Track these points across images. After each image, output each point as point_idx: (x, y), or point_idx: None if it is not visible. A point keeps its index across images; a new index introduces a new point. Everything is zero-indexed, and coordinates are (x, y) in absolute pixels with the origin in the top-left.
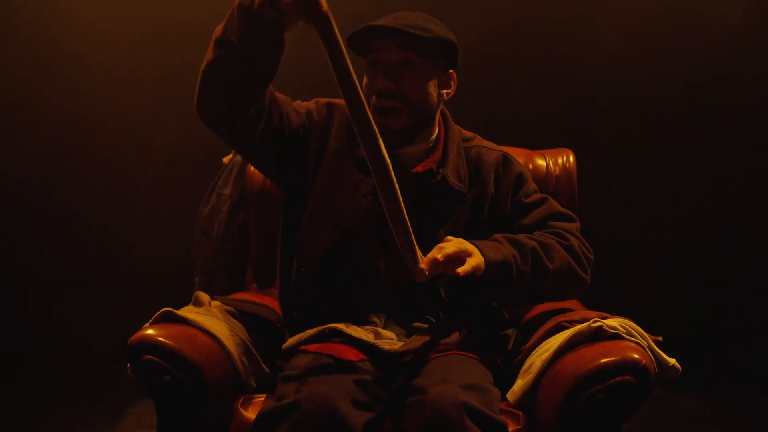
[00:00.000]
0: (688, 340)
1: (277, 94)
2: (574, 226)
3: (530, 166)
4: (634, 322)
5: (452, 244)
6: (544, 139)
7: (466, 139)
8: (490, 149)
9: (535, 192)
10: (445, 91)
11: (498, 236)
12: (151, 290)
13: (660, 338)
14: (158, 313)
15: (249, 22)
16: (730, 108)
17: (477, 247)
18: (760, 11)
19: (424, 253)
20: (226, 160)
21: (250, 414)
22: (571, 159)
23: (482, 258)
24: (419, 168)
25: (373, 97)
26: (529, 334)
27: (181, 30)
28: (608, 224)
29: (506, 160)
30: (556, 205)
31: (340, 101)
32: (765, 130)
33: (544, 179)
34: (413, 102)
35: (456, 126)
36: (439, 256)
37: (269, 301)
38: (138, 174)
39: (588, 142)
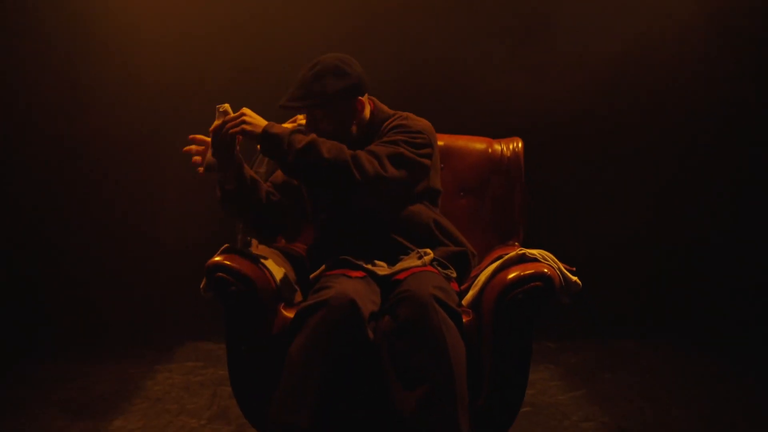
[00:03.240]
0: (629, 290)
1: (266, 184)
2: (386, 149)
3: (489, 150)
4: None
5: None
6: (503, 129)
7: (389, 116)
8: (391, 116)
9: (398, 131)
10: (359, 111)
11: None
12: (178, 270)
13: (573, 268)
14: (222, 248)
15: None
16: (650, 105)
17: (269, 123)
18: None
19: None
20: (259, 146)
21: (289, 313)
22: (520, 145)
23: (263, 124)
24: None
25: None
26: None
27: (202, 40)
28: (548, 193)
29: (402, 117)
30: (392, 139)
31: None
32: (685, 119)
33: (498, 159)
34: (329, 134)
35: (388, 110)
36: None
37: (296, 248)
38: (163, 172)
39: (535, 132)
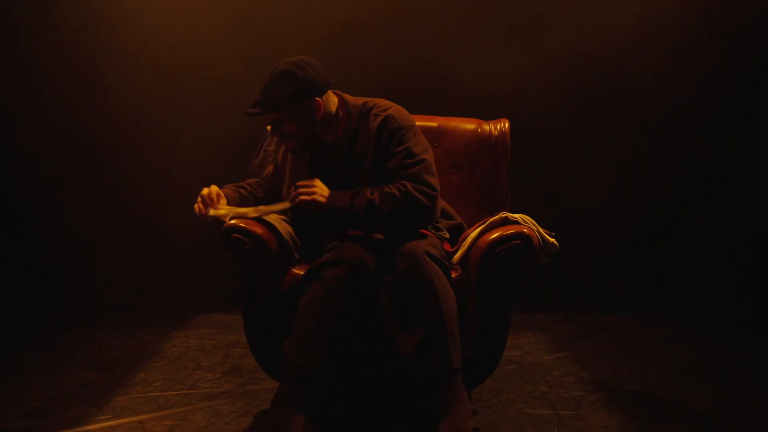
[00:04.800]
0: (613, 268)
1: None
2: (418, 168)
3: (479, 130)
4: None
5: (312, 186)
6: (494, 111)
7: (367, 109)
8: (378, 114)
9: (405, 144)
10: (317, 110)
11: (358, 189)
12: (188, 253)
13: (553, 233)
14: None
15: None
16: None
17: (330, 192)
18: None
19: None
20: (269, 127)
21: (299, 271)
22: (506, 125)
23: (323, 199)
24: (331, 140)
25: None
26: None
27: (206, 36)
28: (531, 168)
29: (387, 120)
30: (411, 153)
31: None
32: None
33: (487, 138)
34: (292, 135)
35: (356, 101)
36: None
37: None
38: (173, 161)
39: (522, 113)
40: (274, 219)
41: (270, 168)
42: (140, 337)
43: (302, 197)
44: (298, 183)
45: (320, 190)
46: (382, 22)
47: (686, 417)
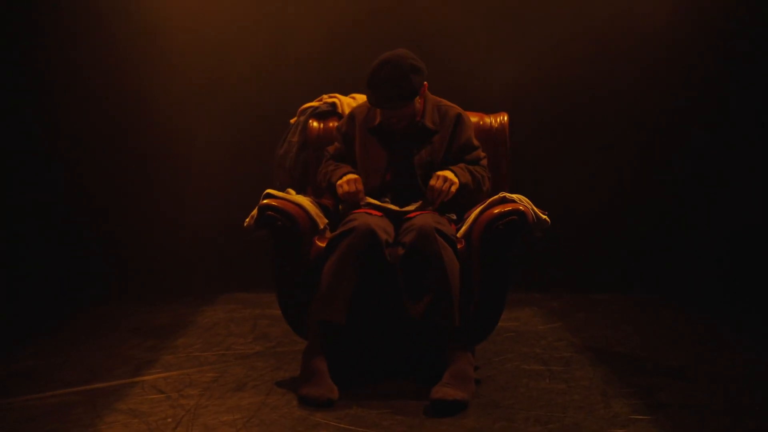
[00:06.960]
0: (606, 251)
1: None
2: (485, 165)
3: (481, 122)
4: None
5: (440, 179)
6: (494, 105)
7: (438, 102)
8: (451, 107)
9: (478, 146)
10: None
11: (462, 165)
12: (213, 241)
13: (546, 212)
14: (264, 192)
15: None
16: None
17: (454, 173)
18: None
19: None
20: (292, 121)
21: (322, 243)
22: (506, 118)
23: (457, 181)
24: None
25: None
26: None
27: (220, 46)
28: (528, 157)
29: (463, 117)
30: (478, 151)
31: (354, 111)
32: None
33: (488, 130)
34: (408, 115)
35: (431, 95)
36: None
37: (322, 201)
38: (194, 160)
39: (520, 107)
40: (303, 199)
41: (336, 145)
42: (172, 311)
43: (445, 196)
44: (435, 187)
45: (448, 175)
46: (387, 20)
47: (664, 372)
